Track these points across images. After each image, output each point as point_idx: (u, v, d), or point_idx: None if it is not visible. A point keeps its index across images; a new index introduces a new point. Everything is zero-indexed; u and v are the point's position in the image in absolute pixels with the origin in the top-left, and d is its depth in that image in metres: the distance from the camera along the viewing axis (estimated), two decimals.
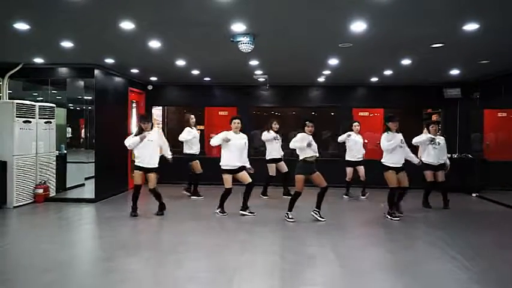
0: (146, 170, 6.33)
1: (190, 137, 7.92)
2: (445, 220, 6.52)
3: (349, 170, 8.15)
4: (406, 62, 6.81)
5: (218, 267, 4.21)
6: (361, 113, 9.35)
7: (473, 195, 8.58)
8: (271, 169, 8.03)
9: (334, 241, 5.17)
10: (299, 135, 6.09)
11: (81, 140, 8.15)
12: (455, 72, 7.89)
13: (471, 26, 4.64)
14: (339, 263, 4.33)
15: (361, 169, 8.13)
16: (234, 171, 6.43)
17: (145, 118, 6.46)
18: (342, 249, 4.83)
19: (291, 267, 4.18)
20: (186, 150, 8.00)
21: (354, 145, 8.06)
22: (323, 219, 6.13)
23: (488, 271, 4.17)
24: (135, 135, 6.36)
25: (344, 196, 8.26)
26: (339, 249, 4.84)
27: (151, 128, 6.41)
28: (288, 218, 6.15)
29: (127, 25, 4.73)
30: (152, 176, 6.36)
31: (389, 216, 6.34)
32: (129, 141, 6.34)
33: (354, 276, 3.99)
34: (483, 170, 8.70)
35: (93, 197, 7.53)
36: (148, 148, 6.29)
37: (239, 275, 3.97)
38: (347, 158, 8.17)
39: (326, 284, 3.86)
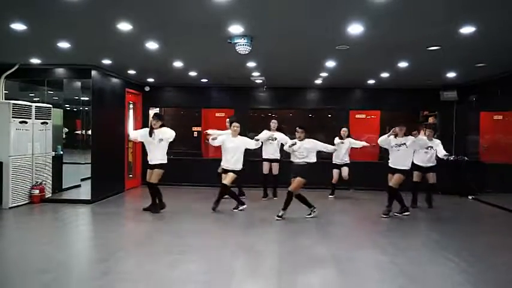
0: (150, 167, 6.63)
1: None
2: (441, 222, 6.54)
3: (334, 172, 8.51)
4: (403, 64, 6.84)
5: (215, 269, 4.20)
6: (358, 115, 9.35)
7: (469, 197, 8.61)
8: (264, 167, 8.08)
9: (331, 243, 5.18)
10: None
11: (78, 141, 8.12)
12: (451, 74, 7.92)
13: (467, 29, 4.66)
14: (335, 265, 4.33)
15: (344, 170, 8.40)
16: (225, 171, 6.86)
17: (156, 115, 6.76)
18: (339, 251, 4.83)
19: (288, 269, 4.18)
20: None
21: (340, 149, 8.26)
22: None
23: (484, 273, 4.19)
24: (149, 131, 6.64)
25: (329, 196, 8.48)
26: (336, 251, 4.84)
27: (161, 127, 6.57)
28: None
29: (124, 26, 4.72)
30: (154, 172, 6.57)
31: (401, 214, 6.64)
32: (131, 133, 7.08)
33: (350, 278, 4.00)
34: (479, 172, 8.74)
35: (90, 198, 7.49)
36: (151, 145, 6.57)
37: (236, 277, 3.96)
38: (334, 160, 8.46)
39: (323, 286, 3.86)
